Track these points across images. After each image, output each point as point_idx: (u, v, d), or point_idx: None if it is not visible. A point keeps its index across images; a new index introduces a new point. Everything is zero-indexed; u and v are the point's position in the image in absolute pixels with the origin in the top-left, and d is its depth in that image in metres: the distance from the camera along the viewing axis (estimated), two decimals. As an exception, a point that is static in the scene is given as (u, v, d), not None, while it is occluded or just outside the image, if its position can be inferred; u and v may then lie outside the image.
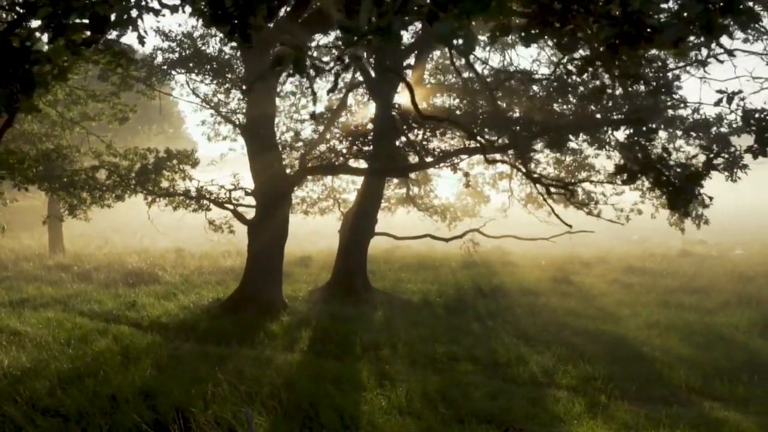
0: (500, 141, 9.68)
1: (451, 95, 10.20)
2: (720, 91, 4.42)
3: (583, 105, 8.84)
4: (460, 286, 16.34)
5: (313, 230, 28.29)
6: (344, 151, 11.77)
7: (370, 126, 12.10)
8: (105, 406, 6.72)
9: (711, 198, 15.11)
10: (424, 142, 11.58)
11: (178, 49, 13.75)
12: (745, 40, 12.33)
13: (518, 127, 8.90)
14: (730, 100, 4.37)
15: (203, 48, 13.66)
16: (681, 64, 9.91)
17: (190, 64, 13.50)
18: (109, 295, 13.94)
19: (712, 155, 3.65)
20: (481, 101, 10.16)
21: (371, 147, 11.82)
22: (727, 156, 7.31)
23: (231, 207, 13.02)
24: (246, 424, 6.08)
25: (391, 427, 6.47)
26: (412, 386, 7.74)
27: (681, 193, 3.24)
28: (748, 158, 11.19)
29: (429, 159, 10.77)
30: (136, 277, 16.51)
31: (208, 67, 13.48)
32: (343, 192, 20.96)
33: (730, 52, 4.69)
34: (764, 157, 4.64)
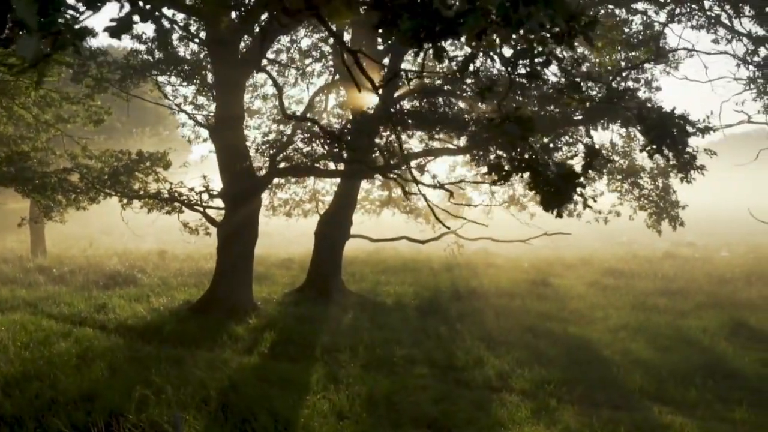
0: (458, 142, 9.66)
1: (412, 96, 10.16)
2: (609, 89, 4.33)
3: (542, 105, 8.82)
4: (438, 288, 16.28)
5: (302, 232, 28.17)
6: (312, 152, 11.73)
7: (336, 126, 12.05)
8: (43, 410, 6.70)
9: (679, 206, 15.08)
10: (394, 144, 11.52)
11: (150, 51, 13.76)
12: (714, 41, 12.26)
13: (475, 128, 8.86)
14: (620, 96, 4.29)
15: (175, 50, 13.66)
16: (641, 58, 9.80)
17: (162, 67, 13.51)
18: (81, 297, 13.91)
19: (591, 155, 3.58)
20: (440, 101, 10.11)
21: (339, 148, 11.77)
22: (688, 160, 7.24)
23: (201, 209, 13.00)
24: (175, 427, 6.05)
25: (326, 431, 6.42)
26: (360, 390, 7.69)
27: (558, 193, 3.17)
28: (704, 159, 11.13)
29: (393, 161, 10.72)
30: (113, 279, 16.51)
31: (180, 69, 13.49)
32: (326, 194, 20.96)
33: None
34: (662, 156, 4.53)
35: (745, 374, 8.76)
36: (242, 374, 8.31)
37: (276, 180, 18.68)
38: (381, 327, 11.55)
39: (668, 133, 4.19)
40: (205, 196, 12.92)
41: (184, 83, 13.56)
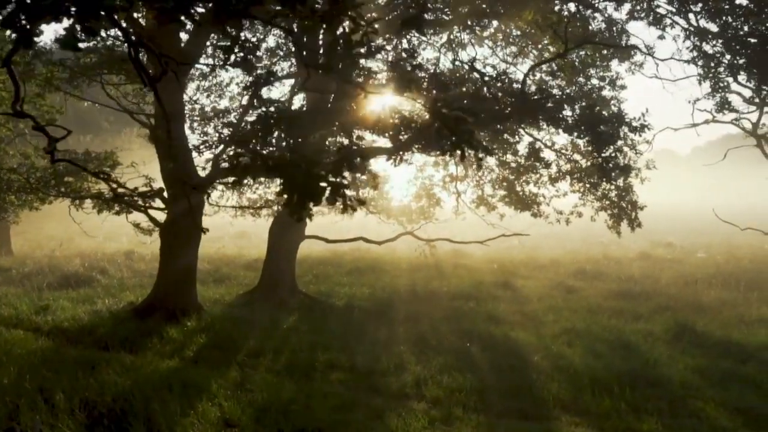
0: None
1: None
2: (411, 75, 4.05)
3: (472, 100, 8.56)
4: (396, 289, 16.03)
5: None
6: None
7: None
8: None
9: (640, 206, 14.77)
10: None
11: (97, 50, 13.60)
12: (660, 37, 11.88)
13: (400, 128, 8.60)
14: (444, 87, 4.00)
15: (117, 49, 13.48)
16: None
17: (107, 67, 13.36)
18: (27, 299, 13.76)
19: (343, 153, 3.29)
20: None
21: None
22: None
23: (142, 209, 12.77)
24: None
25: (202, 440, 6.19)
26: (259, 396, 7.44)
27: (305, 195, 2.92)
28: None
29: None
30: (69, 280, 16.33)
31: (123, 67, 13.31)
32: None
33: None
34: (461, 154, 4.23)
35: (671, 382, 8.44)
36: (149, 379, 8.07)
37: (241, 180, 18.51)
38: (318, 330, 11.31)
39: (462, 130, 3.91)
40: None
41: (127, 82, 13.37)
